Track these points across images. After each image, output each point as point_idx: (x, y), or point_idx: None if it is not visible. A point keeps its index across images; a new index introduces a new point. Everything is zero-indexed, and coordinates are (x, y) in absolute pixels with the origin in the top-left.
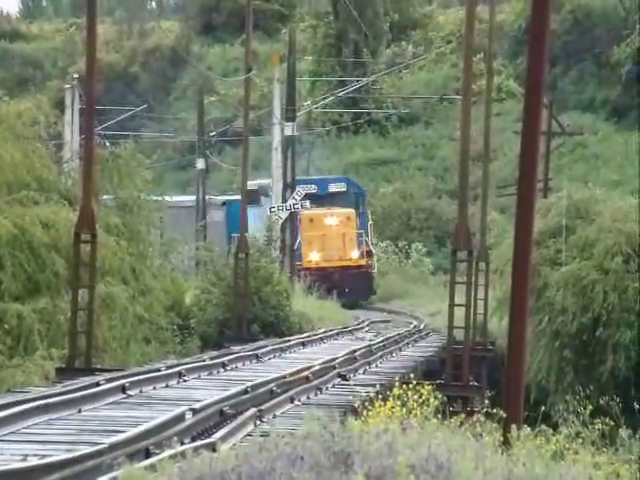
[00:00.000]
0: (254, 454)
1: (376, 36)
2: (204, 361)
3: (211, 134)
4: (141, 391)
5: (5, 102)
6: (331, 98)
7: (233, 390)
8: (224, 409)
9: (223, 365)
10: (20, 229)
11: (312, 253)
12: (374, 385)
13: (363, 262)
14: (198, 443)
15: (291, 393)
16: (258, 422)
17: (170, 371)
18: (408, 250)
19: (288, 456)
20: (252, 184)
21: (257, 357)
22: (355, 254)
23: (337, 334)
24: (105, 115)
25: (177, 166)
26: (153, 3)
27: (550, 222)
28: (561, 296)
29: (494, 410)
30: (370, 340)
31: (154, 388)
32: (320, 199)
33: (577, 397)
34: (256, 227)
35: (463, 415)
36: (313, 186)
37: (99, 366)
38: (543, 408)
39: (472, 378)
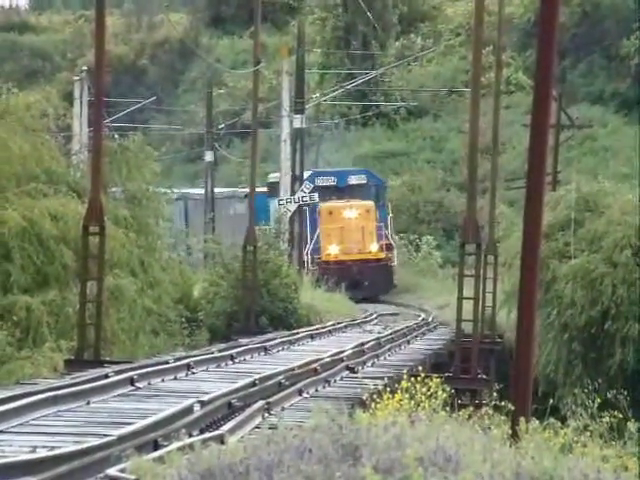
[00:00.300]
0: (262, 446)
1: (385, 28)
2: (212, 353)
3: (220, 127)
4: (149, 383)
5: (14, 94)
6: (340, 91)
7: (241, 382)
8: (232, 401)
9: (231, 357)
10: (29, 221)
11: (331, 246)
12: (382, 378)
13: (382, 255)
14: (206, 435)
15: (299, 386)
16: (266, 414)
17: (178, 363)
18: (419, 243)
19: (296, 448)
20: (273, 176)
21: (265, 350)
22: (374, 247)
23: (345, 327)
24: (114, 107)
25: (186, 159)
26: None
27: (559, 215)
28: (570, 289)
29: (502, 403)
30: (378, 333)
31: (162, 380)
32: (339, 191)
33: (585, 390)
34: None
35: (471, 408)
36: (332, 178)
37: (108, 358)
38: (551, 401)
39: (480, 371)
